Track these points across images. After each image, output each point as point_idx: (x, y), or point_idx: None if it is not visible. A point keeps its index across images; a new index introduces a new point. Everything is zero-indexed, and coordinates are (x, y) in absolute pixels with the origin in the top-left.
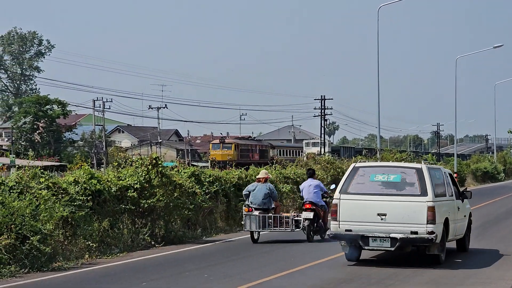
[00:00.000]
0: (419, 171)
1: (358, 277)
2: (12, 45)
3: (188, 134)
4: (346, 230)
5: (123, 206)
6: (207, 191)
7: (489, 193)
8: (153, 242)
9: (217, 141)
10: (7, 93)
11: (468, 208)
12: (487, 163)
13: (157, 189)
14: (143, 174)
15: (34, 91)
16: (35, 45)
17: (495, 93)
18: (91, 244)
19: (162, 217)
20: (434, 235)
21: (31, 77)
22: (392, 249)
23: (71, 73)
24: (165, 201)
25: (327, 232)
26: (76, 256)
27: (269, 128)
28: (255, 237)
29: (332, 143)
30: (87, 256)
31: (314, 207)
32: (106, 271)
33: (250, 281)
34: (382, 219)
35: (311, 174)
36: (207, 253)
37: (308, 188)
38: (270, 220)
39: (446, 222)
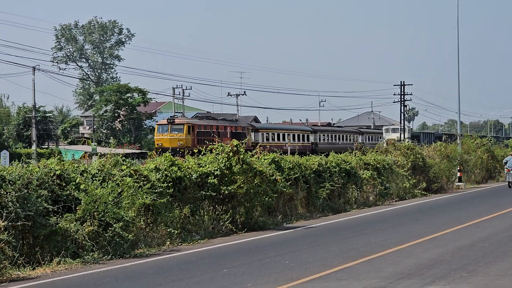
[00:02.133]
0: None
1: (439, 263)
2: (93, 34)
3: (267, 121)
4: None
5: (204, 192)
6: (287, 177)
7: None
8: (234, 229)
9: (165, 121)
10: (88, 81)
11: None
12: None
13: (238, 176)
14: (224, 161)
15: (114, 79)
16: (115, 34)
17: None
18: (172, 231)
19: (243, 203)
20: None
21: (111, 65)
22: None
23: (151, 61)
24: (246, 188)
25: None
26: (157, 243)
27: (348, 114)
28: (510, 185)
29: (411, 129)
30: (168, 243)
31: None
32: (188, 258)
33: (332, 267)
34: None
35: None
36: (288, 239)
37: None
38: None
39: None
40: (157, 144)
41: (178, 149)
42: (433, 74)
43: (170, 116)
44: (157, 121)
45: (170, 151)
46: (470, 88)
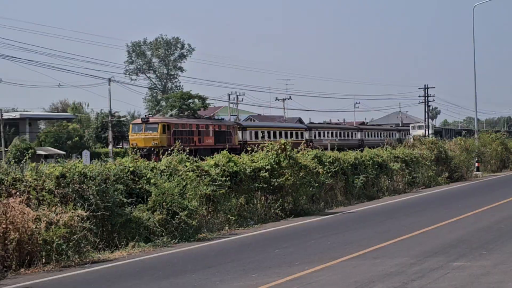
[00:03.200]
0: None
1: (462, 243)
2: (159, 50)
3: (309, 121)
4: None
5: (257, 184)
6: (328, 170)
7: None
8: (283, 215)
9: (139, 120)
10: (155, 90)
11: None
12: None
13: (286, 170)
14: (273, 157)
15: (178, 88)
16: (178, 49)
17: None
18: (230, 218)
19: (290, 193)
20: None
21: (175, 76)
22: None
23: (209, 71)
24: (293, 180)
25: None
26: (217, 228)
27: (380, 114)
28: None
29: (435, 125)
30: (227, 228)
31: None
32: (244, 240)
33: (368, 247)
34: None
35: None
36: (330, 223)
37: None
38: None
39: None
40: (132, 144)
41: (153, 149)
42: (452, 77)
43: (145, 115)
44: None
45: (145, 151)
46: (485, 88)
